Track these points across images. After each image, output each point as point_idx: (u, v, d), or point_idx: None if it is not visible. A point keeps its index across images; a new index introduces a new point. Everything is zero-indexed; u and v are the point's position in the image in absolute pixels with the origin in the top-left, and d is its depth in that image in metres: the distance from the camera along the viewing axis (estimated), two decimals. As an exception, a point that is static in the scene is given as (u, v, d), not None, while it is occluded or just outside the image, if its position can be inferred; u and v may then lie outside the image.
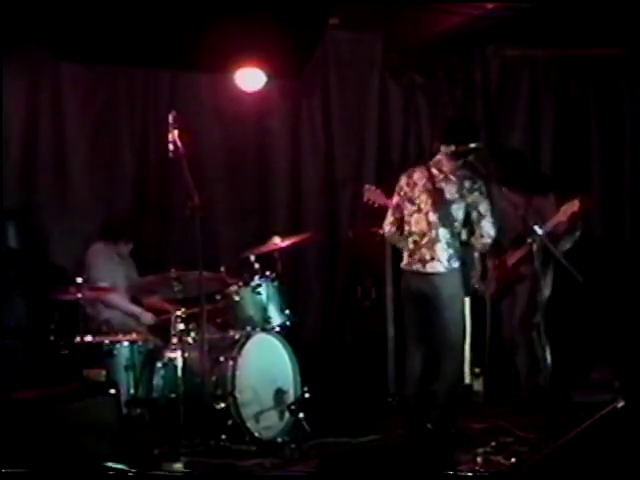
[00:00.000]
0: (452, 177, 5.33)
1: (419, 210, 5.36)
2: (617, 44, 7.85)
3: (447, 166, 5.36)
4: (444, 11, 7.13)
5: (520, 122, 8.13)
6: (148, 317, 6.24)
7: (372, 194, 6.00)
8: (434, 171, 5.37)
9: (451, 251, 5.28)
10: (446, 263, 5.27)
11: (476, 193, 5.30)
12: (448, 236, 5.29)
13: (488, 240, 5.36)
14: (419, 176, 5.42)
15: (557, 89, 8.19)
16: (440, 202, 5.28)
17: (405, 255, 5.44)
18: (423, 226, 5.34)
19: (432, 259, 5.28)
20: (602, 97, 8.23)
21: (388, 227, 5.55)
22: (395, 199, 5.52)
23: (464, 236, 5.39)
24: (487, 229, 5.31)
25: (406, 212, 5.44)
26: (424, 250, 5.31)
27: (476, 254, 5.51)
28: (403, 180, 5.50)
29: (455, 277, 5.29)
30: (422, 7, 7.18)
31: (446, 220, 5.27)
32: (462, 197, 5.29)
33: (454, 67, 8.10)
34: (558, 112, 8.16)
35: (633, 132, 8.19)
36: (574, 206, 6.11)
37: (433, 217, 5.31)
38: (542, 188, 6.51)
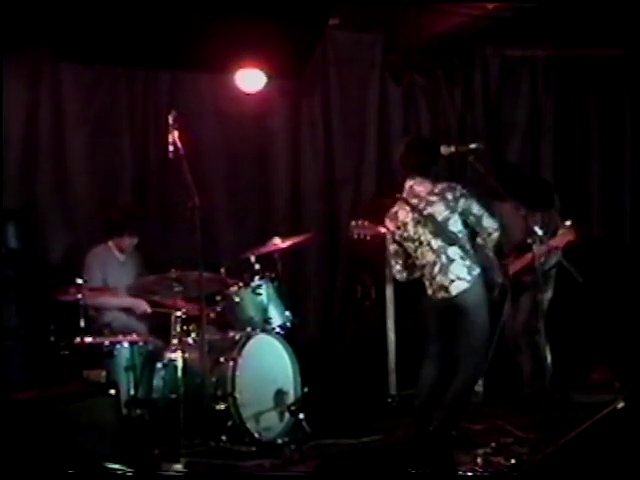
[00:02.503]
0: (433, 197, 5.25)
1: (420, 244, 5.28)
2: (617, 44, 7.85)
3: (422, 190, 5.30)
4: (444, 11, 7.14)
5: (520, 122, 8.13)
6: (142, 305, 6.19)
7: (361, 229, 5.75)
8: (413, 201, 5.29)
9: (468, 262, 5.21)
10: (469, 276, 5.19)
11: (462, 200, 5.23)
12: (459, 251, 5.21)
13: (496, 233, 5.29)
14: (403, 214, 5.34)
15: (557, 89, 8.18)
16: (436, 226, 5.20)
17: (427, 285, 5.33)
18: (430, 256, 5.26)
19: (453, 281, 5.20)
20: (602, 97, 8.23)
21: (400, 275, 5.46)
22: (392, 247, 5.43)
23: (470, 243, 5.36)
24: (490, 224, 5.26)
25: (409, 251, 5.36)
26: (440, 277, 5.23)
27: (489, 252, 5.43)
28: (390, 225, 5.41)
29: (479, 284, 5.22)
30: (422, 7, 7.19)
31: (450, 239, 5.20)
32: (452, 210, 5.21)
33: (454, 67, 8.11)
34: (558, 112, 8.17)
35: (633, 132, 8.18)
36: (571, 235, 6.11)
37: (437, 243, 5.23)
38: (543, 203, 6.51)
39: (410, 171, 5.37)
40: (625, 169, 8.21)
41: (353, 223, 5.76)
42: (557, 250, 6.15)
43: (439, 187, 5.28)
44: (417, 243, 5.30)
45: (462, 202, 5.23)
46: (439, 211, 5.22)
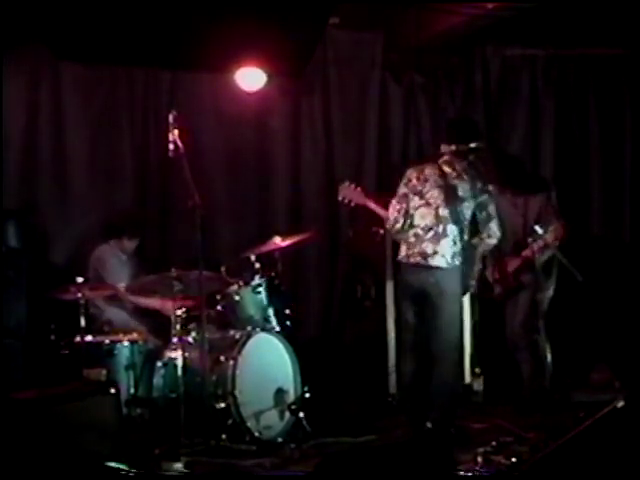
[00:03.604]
0: (465, 176, 5.39)
1: (427, 204, 5.36)
2: (617, 44, 7.85)
3: (459, 165, 5.40)
4: (444, 11, 7.14)
5: (520, 122, 8.13)
6: (169, 306, 6.17)
7: (349, 192, 5.63)
8: (446, 169, 5.40)
9: (456, 248, 5.30)
10: (449, 259, 5.28)
11: (486, 194, 5.39)
12: (456, 233, 5.30)
13: (495, 240, 5.42)
14: (430, 172, 5.43)
15: (557, 89, 8.18)
16: (452, 199, 5.31)
17: (403, 248, 5.43)
18: (430, 220, 5.34)
19: (435, 253, 5.29)
20: (602, 97, 8.22)
21: (395, 215, 5.42)
22: (402, 190, 5.49)
23: (467, 236, 5.40)
24: (495, 230, 5.40)
25: (411, 205, 5.42)
26: (427, 244, 5.31)
27: (477, 254, 5.50)
28: (413, 174, 5.48)
29: (455, 274, 5.30)
30: (422, 7, 7.18)
31: (456, 217, 5.30)
32: (474, 196, 5.36)
33: (454, 67, 8.10)
34: (558, 112, 8.16)
35: (633, 132, 8.18)
36: (559, 231, 6.12)
37: (444, 212, 5.32)
38: (539, 189, 6.53)
39: (451, 144, 5.44)
40: (625, 169, 8.20)
41: (344, 183, 5.71)
42: (549, 246, 6.13)
43: (473, 172, 5.39)
44: (424, 201, 5.36)
45: (485, 196, 5.38)
46: (463, 188, 5.35)
